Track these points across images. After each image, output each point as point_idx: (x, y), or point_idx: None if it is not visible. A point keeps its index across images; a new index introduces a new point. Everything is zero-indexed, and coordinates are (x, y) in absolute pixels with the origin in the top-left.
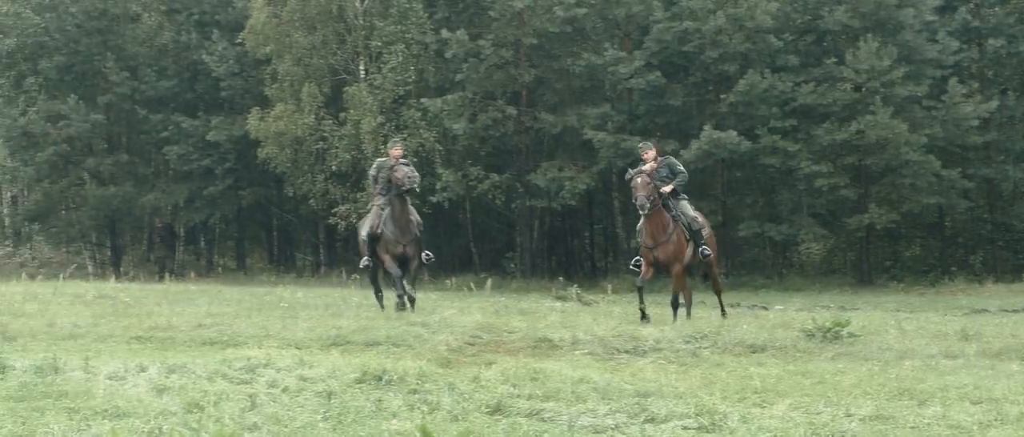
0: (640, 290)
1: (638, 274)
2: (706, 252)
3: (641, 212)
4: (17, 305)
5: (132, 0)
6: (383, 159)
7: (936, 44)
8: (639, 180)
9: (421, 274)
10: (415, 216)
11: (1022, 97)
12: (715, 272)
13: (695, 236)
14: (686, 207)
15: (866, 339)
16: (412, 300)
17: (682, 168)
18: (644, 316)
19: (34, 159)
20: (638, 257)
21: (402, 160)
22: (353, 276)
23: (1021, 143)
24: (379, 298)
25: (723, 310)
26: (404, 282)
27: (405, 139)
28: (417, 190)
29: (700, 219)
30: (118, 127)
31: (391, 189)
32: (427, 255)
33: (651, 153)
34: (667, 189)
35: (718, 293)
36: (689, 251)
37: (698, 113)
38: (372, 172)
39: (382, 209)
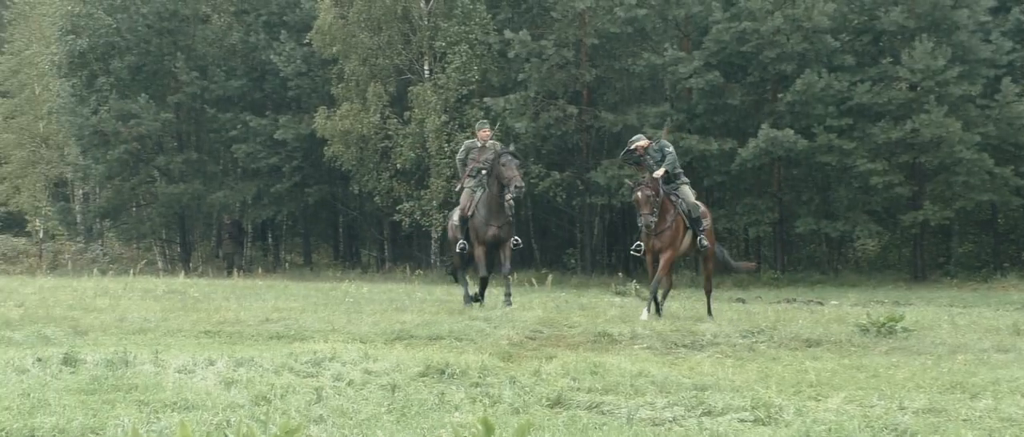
0: (654, 292)
1: (640, 254)
2: (704, 243)
3: (647, 230)
4: (89, 300)
5: (202, 1)
6: (470, 141)
7: (990, 44)
8: (640, 196)
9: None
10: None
11: None
12: (710, 268)
13: (694, 224)
14: (687, 193)
15: (919, 334)
16: (508, 295)
17: (672, 150)
18: (658, 311)
19: (105, 157)
20: (638, 242)
21: (509, 151)
22: (416, 272)
23: None
24: (466, 287)
25: (710, 310)
26: (482, 291)
27: (469, 137)
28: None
29: (701, 208)
30: (187, 126)
31: (481, 172)
32: (516, 240)
33: (643, 143)
34: (658, 173)
35: (708, 292)
36: (687, 240)
37: (756, 112)
38: (460, 155)
39: (474, 191)
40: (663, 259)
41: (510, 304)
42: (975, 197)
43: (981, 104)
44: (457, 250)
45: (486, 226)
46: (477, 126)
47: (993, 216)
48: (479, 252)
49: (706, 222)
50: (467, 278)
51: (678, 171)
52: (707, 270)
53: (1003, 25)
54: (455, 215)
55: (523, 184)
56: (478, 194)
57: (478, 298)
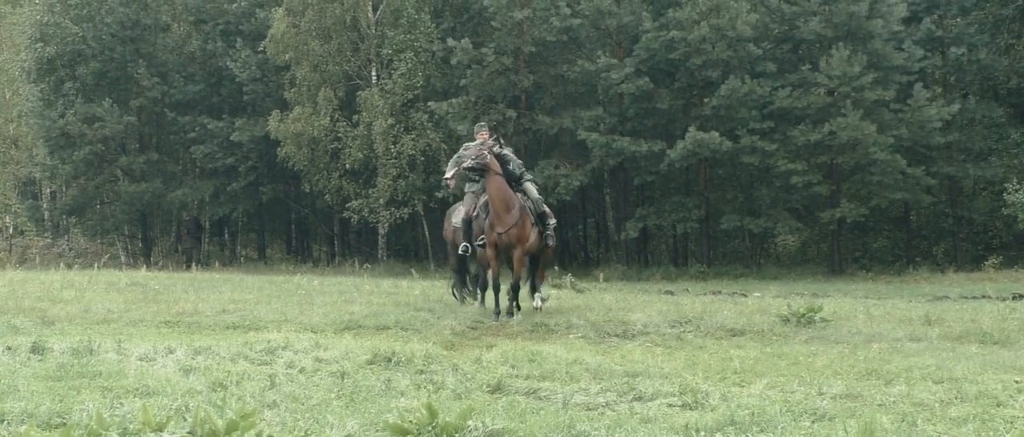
0: (482, 282)
1: (469, 253)
2: (551, 242)
3: (472, 171)
4: (56, 292)
5: (163, 11)
6: (467, 144)
7: (903, 52)
8: (471, 150)
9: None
10: (523, 196)
11: (982, 101)
12: (545, 262)
13: (541, 220)
14: (531, 189)
15: (837, 324)
16: (538, 294)
17: (512, 155)
18: (485, 305)
19: (71, 158)
20: (482, 238)
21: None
22: (365, 266)
23: (980, 143)
24: (461, 292)
25: (522, 303)
26: (494, 292)
27: (414, 139)
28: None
29: (546, 208)
30: (149, 128)
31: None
32: (550, 235)
33: (484, 134)
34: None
35: (539, 282)
36: (534, 236)
37: (683, 116)
38: (455, 158)
39: (478, 195)
40: (514, 257)
41: (543, 300)
42: (889, 195)
43: (894, 108)
44: (459, 252)
45: (491, 229)
46: (476, 128)
47: (906, 213)
48: (490, 253)
49: (552, 222)
50: (472, 289)
51: (522, 171)
52: (542, 266)
53: (915, 34)
54: (456, 217)
55: (485, 154)
56: (482, 198)
57: (508, 310)
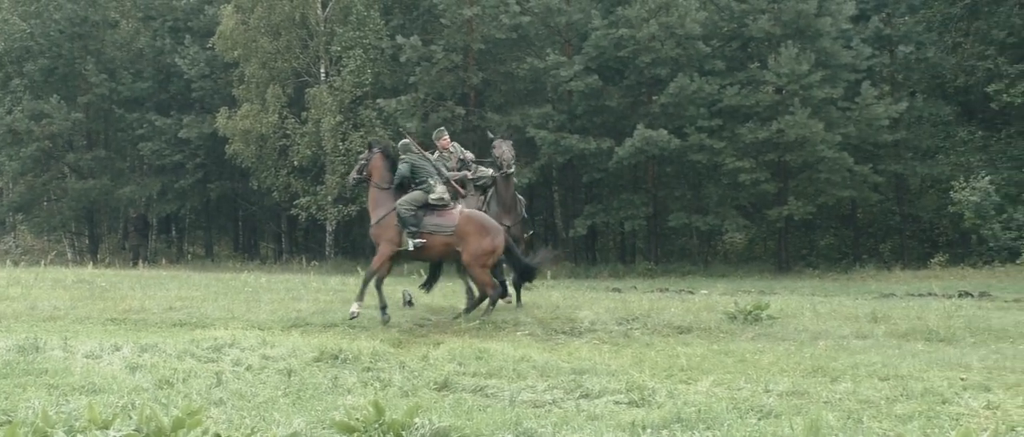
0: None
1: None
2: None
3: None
4: (1, 289)
5: (111, 8)
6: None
7: (851, 50)
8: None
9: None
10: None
11: (929, 99)
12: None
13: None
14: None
15: (783, 321)
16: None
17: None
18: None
19: (19, 154)
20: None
21: (500, 135)
22: (312, 263)
23: (928, 141)
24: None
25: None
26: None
27: (363, 136)
28: (509, 165)
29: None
30: (97, 125)
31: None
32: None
33: (445, 140)
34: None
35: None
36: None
37: (632, 113)
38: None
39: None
40: (379, 253)
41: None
42: (836, 193)
43: (842, 106)
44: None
45: (499, 221)
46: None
47: (853, 211)
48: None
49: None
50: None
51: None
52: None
53: (863, 32)
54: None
55: (510, 161)
56: (490, 192)
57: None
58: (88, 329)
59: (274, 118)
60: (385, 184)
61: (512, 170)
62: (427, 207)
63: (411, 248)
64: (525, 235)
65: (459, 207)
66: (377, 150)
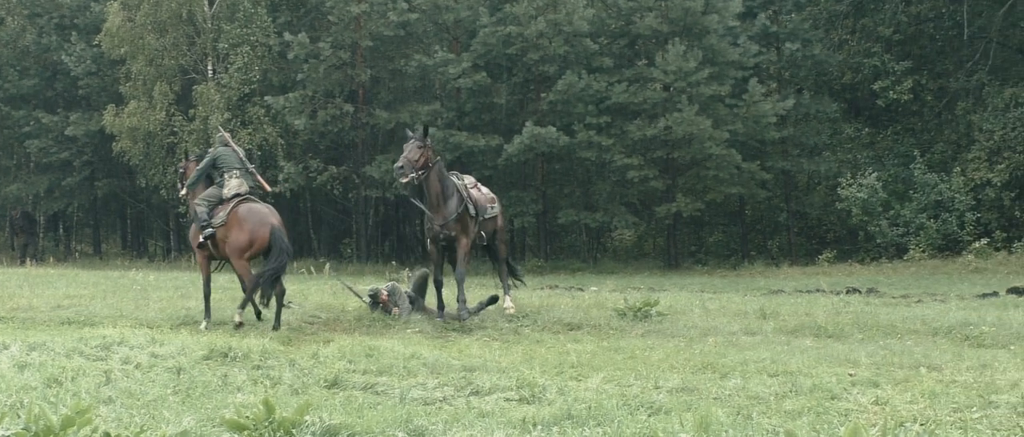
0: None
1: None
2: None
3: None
4: None
5: None
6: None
7: (738, 47)
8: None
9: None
10: (463, 191)
11: (816, 96)
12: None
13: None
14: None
15: (673, 318)
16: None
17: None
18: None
19: None
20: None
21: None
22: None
23: (814, 138)
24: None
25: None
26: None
27: (251, 134)
28: (406, 175)
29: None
30: None
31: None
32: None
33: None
34: (182, 192)
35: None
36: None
37: (521, 110)
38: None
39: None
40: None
41: (465, 315)
42: (724, 190)
43: (730, 103)
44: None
45: (431, 223)
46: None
47: (741, 208)
48: (431, 250)
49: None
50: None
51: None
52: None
53: (750, 29)
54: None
55: (401, 166)
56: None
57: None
58: None
59: (161, 115)
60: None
61: (405, 178)
62: (221, 203)
63: (202, 240)
64: (475, 234)
65: (238, 201)
66: (192, 158)
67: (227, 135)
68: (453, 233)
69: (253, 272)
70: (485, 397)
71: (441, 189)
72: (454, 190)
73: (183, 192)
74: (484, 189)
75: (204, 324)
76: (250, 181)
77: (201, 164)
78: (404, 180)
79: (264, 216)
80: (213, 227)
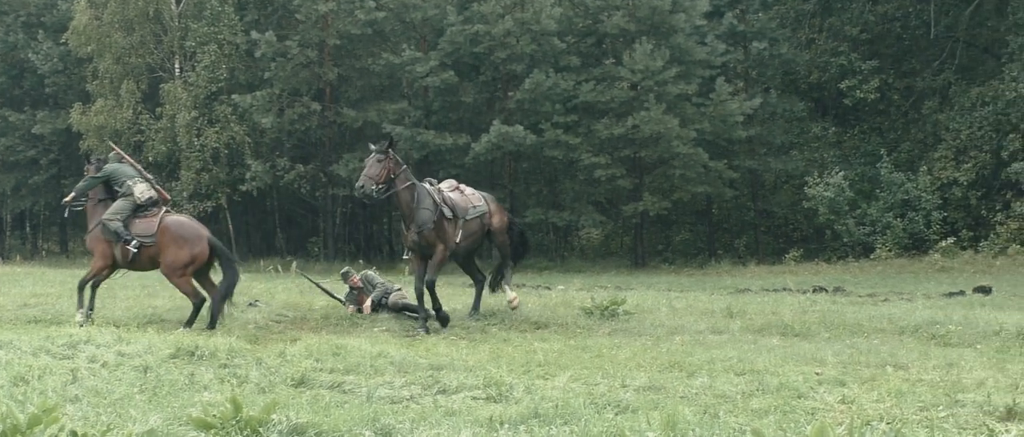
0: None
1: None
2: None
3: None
4: None
5: None
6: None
7: (705, 46)
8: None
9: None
10: (436, 195)
11: (783, 95)
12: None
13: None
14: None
15: (640, 316)
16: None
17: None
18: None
19: None
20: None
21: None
22: None
23: (781, 137)
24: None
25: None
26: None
27: (218, 132)
28: (367, 193)
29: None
30: None
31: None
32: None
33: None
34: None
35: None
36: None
37: (488, 109)
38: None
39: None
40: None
41: (424, 330)
42: (691, 189)
43: (697, 102)
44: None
45: (406, 230)
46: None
47: (708, 207)
48: (410, 259)
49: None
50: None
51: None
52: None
53: (717, 29)
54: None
55: (362, 184)
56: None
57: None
58: None
59: (128, 114)
60: (99, 196)
61: (364, 191)
62: (136, 213)
63: (131, 254)
64: (457, 237)
65: (161, 213)
66: (93, 162)
67: (121, 151)
68: (429, 241)
69: (195, 284)
70: (452, 395)
71: (411, 198)
72: (426, 196)
73: (68, 198)
74: (469, 190)
75: (79, 317)
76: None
77: (92, 177)
78: (366, 197)
79: (197, 230)
80: (141, 240)
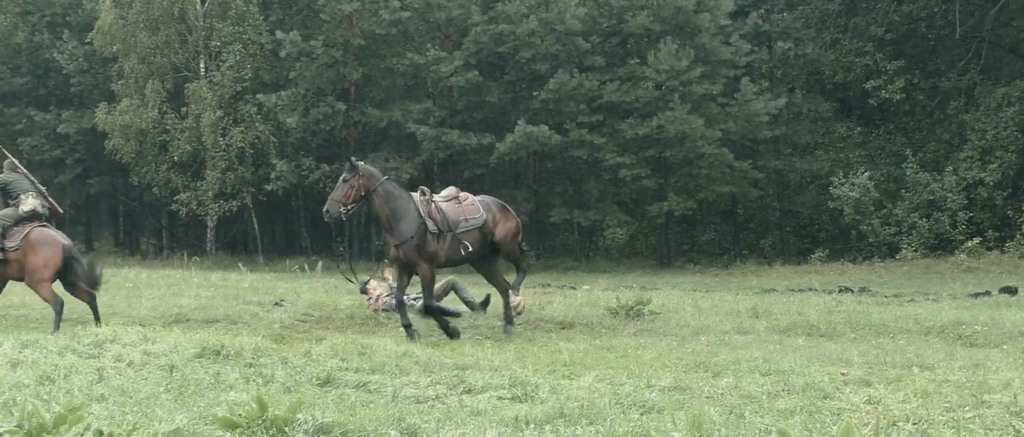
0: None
1: None
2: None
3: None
4: None
5: None
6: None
7: (730, 46)
8: None
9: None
10: (421, 207)
11: (808, 95)
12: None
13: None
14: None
15: (665, 316)
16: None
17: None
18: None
19: None
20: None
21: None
22: (193, 258)
23: (806, 137)
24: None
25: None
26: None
27: (243, 132)
28: (334, 217)
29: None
30: None
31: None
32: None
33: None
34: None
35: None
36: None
37: (513, 109)
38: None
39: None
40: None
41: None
42: (716, 189)
43: (722, 102)
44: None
45: (387, 244)
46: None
47: (733, 206)
48: (391, 270)
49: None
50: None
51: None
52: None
53: (742, 28)
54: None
55: (327, 209)
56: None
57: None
58: None
59: (154, 113)
60: None
61: (330, 215)
62: (19, 223)
63: None
64: (447, 252)
65: (34, 224)
66: None
67: (15, 160)
68: (410, 259)
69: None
70: (477, 395)
71: (390, 212)
72: (408, 209)
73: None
74: (469, 199)
75: None
76: (43, 202)
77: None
78: (333, 220)
79: (54, 238)
80: (4, 251)
